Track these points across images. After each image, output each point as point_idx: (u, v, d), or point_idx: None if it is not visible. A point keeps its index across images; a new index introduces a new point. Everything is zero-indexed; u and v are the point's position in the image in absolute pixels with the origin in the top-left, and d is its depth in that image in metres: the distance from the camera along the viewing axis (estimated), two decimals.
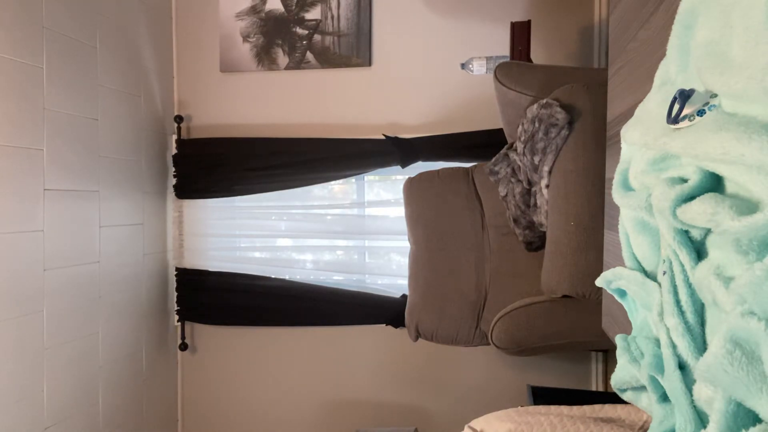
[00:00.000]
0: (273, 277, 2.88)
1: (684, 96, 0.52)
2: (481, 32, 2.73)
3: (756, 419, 0.42)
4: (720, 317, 0.51)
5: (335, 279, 2.97)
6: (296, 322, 2.84)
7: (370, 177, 2.95)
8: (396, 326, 2.76)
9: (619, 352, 0.75)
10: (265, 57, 2.90)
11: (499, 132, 2.45)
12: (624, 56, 0.90)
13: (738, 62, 0.45)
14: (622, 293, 0.82)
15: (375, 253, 2.97)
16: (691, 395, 0.56)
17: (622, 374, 0.75)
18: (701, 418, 0.55)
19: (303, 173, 2.79)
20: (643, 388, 0.72)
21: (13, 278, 2.01)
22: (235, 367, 3.00)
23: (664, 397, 0.64)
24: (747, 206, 0.44)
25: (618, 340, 0.76)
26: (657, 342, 0.65)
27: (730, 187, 0.49)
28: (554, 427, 1.32)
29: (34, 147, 2.11)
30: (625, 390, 0.78)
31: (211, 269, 2.92)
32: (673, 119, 0.54)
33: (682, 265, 0.56)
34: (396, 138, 2.69)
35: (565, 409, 1.44)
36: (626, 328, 0.87)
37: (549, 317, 1.81)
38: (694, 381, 0.56)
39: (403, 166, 2.72)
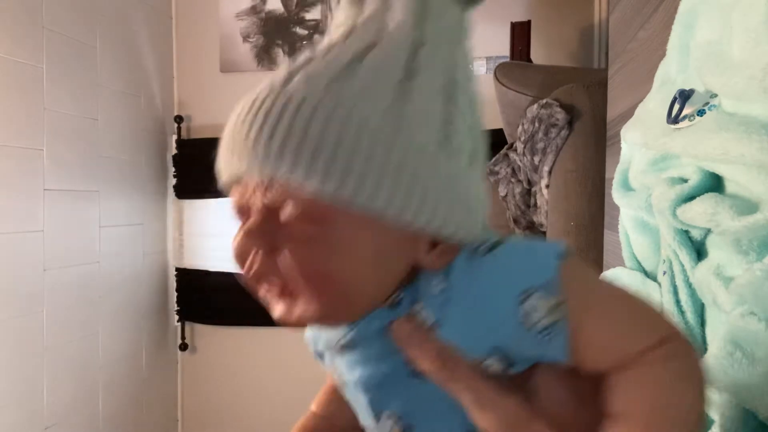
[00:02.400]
0: None
1: (684, 96, 0.52)
2: (481, 32, 2.72)
3: (757, 421, 0.42)
4: (720, 318, 0.51)
5: None
6: None
7: None
8: None
9: None
10: (265, 57, 2.90)
11: (499, 132, 2.45)
12: (624, 56, 0.90)
13: (738, 62, 0.45)
14: None
15: None
16: None
17: None
18: None
19: None
20: None
21: (13, 278, 2.01)
22: (236, 367, 3.00)
23: None
24: (747, 206, 0.44)
25: None
26: None
27: (730, 187, 0.49)
28: None
29: (34, 147, 2.11)
30: None
31: (211, 269, 2.92)
32: (673, 119, 0.53)
33: (682, 265, 0.56)
34: None
35: None
36: None
37: None
38: None
39: None
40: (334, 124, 0.34)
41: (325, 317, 0.38)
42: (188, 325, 3.03)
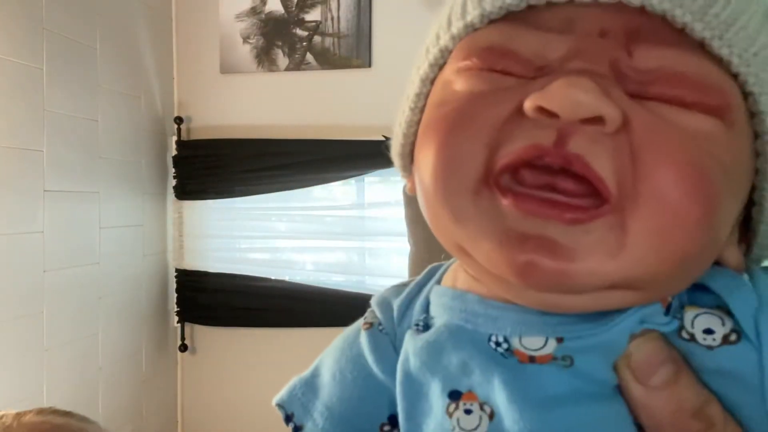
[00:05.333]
0: (273, 278, 2.87)
1: None
2: None
3: None
4: None
5: (335, 280, 2.97)
6: (296, 324, 2.84)
7: (370, 178, 2.95)
8: None
9: None
10: (265, 58, 2.90)
11: None
12: None
13: None
14: None
15: (375, 255, 2.97)
16: None
17: None
18: None
19: (303, 174, 2.79)
20: None
21: (13, 279, 2.01)
22: (236, 368, 3.00)
23: None
24: None
25: None
26: None
27: None
28: None
29: (34, 148, 2.11)
30: None
31: (211, 270, 2.92)
32: None
33: None
34: None
35: None
36: None
37: None
38: None
39: None
40: None
41: (677, 258, 0.24)
42: (188, 326, 3.02)
